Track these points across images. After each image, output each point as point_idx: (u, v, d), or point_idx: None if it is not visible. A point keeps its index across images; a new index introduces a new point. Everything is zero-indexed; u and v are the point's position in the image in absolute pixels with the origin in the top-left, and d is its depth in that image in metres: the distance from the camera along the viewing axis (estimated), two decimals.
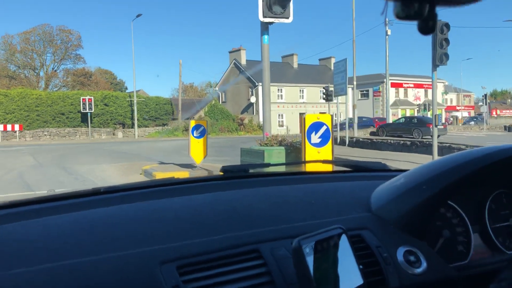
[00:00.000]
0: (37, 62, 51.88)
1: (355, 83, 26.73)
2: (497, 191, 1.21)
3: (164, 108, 40.37)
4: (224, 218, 1.11)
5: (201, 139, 12.04)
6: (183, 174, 11.16)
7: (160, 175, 10.36)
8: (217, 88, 53.09)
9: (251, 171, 1.63)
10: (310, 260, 0.81)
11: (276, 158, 8.26)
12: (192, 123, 12.26)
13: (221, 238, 0.99)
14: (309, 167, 2.24)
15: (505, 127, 36.81)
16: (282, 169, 2.06)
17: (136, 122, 36.63)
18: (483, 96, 41.87)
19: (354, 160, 1.86)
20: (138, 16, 37.16)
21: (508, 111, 65.54)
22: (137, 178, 10.91)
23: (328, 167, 1.98)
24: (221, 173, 1.54)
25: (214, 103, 42.73)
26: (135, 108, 36.67)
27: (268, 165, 1.81)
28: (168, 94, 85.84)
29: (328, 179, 1.60)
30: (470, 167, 1.06)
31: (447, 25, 12.09)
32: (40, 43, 51.00)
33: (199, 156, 12.11)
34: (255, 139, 11.50)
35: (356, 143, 21.00)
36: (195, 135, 12.01)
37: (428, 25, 0.51)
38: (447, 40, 12.06)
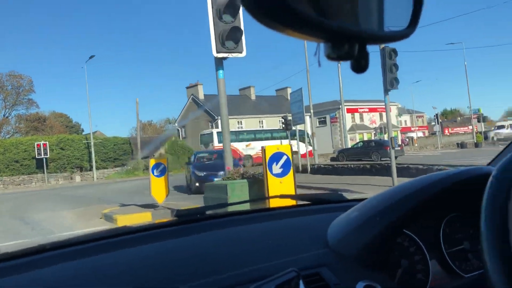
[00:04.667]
0: None
1: (312, 111, 27.27)
2: (450, 215, 1.22)
3: (122, 148, 39.60)
4: (177, 268, 1.06)
5: (162, 178, 11.92)
6: (145, 215, 10.89)
7: (121, 218, 10.07)
8: (176, 124, 52.79)
9: (208, 212, 1.58)
10: None
11: (239, 191, 8.19)
12: (152, 162, 12.17)
13: None
14: (268, 203, 2.22)
15: (457, 144, 38.30)
16: (240, 207, 2.02)
17: (94, 164, 35.70)
18: (434, 116, 43.72)
19: (310, 194, 1.86)
20: (91, 57, 36.81)
21: (459, 128, 68.28)
22: (97, 222, 10.54)
23: (286, 202, 1.96)
24: (176, 218, 1.49)
25: (174, 140, 42.36)
26: (92, 150, 35.81)
27: (225, 205, 1.77)
28: (126, 133, 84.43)
29: (285, 215, 1.58)
30: (421, 195, 1.06)
31: (394, 51, 12.62)
32: None
33: (161, 195, 11.95)
34: None
35: (318, 170, 21.21)
36: (155, 174, 11.89)
37: (360, 64, 0.52)
38: (396, 65, 12.55)
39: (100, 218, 11.21)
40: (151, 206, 11.75)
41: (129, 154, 39.85)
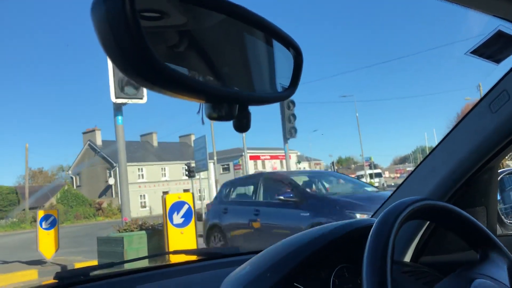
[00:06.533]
0: None
1: (215, 158, 27.46)
2: (339, 266, 1.22)
3: (7, 198, 36.15)
4: None
5: (52, 231, 11.16)
6: (31, 273, 9.92)
7: (1, 277, 9.10)
8: (70, 172, 49.75)
9: (93, 273, 1.42)
10: None
11: (137, 244, 7.74)
12: (41, 214, 11.41)
13: None
14: (161, 260, 2.07)
15: None
16: (130, 265, 1.85)
17: None
18: (331, 163, 46.43)
19: (206, 248, 1.79)
20: None
21: (353, 175, 72.89)
22: None
23: (181, 258, 1.85)
24: (55, 281, 1.31)
25: (68, 188, 39.74)
26: None
27: (112, 264, 1.62)
28: (12, 181, 76.97)
29: (178, 272, 1.48)
30: (311, 248, 1.07)
31: (293, 102, 13.25)
32: None
33: (50, 250, 11.12)
34: (114, 225, 10.86)
35: None
36: (44, 226, 11.12)
37: (242, 124, 0.53)
38: (294, 116, 13.16)
39: None
40: (39, 262, 11.00)
41: (16, 205, 36.46)
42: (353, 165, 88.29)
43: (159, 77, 0.44)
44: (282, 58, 0.60)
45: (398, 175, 68.27)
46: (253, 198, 8.71)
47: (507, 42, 1.14)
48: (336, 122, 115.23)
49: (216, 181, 26.88)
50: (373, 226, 0.82)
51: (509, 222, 1.53)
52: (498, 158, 1.33)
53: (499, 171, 1.50)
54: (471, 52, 1.19)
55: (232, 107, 0.52)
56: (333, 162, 45.56)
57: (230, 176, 52.56)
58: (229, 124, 0.53)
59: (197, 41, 0.52)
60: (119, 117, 9.30)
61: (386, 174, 55.81)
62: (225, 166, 53.27)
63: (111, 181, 42.52)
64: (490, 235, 0.95)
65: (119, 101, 8.82)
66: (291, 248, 1.08)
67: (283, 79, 0.61)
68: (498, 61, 1.23)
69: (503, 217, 1.52)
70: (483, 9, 0.95)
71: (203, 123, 0.53)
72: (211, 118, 0.51)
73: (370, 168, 47.16)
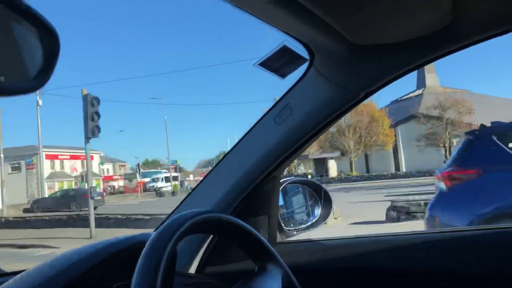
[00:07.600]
0: None
1: (2, 155, 24.22)
2: (116, 284, 1.13)
3: None
4: None
5: None
6: None
7: None
8: None
9: None
10: None
11: None
12: None
13: None
14: None
15: (156, 192, 40.48)
16: None
17: None
18: (136, 165, 45.50)
19: None
20: None
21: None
22: None
23: None
24: None
25: None
26: None
27: None
28: None
29: None
30: (79, 268, 0.95)
31: (97, 99, 12.50)
32: None
33: None
34: None
35: (6, 224, 18.57)
36: None
37: None
38: (98, 114, 12.44)
39: None
40: None
41: None
42: (159, 168, 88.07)
43: None
44: (31, 43, 0.49)
45: (202, 178, 70.81)
46: None
47: (291, 58, 1.17)
48: (145, 124, 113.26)
49: (2, 182, 23.64)
50: (147, 242, 0.76)
51: (287, 229, 1.64)
52: (280, 168, 1.40)
53: (281, 180, 1.59)
54: (259, 64, 1.20)
55: None
56: (138, 164, 44.75)
57: (22, 177, 46.82)
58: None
59: None
60: None
61: (191, 177, 57.21)
62: (15, 165, 47.26)
63: None
64: (267, 246, 0.97)
65: None
66: (54, 270, 0.95)
67: (30, 66, 0.50)
68: (283, 75, 1.26)
69: (283, 224, 1.61)
70: (276, 25, 0.97)
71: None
72: None
73: (176, 171, 47.78)
